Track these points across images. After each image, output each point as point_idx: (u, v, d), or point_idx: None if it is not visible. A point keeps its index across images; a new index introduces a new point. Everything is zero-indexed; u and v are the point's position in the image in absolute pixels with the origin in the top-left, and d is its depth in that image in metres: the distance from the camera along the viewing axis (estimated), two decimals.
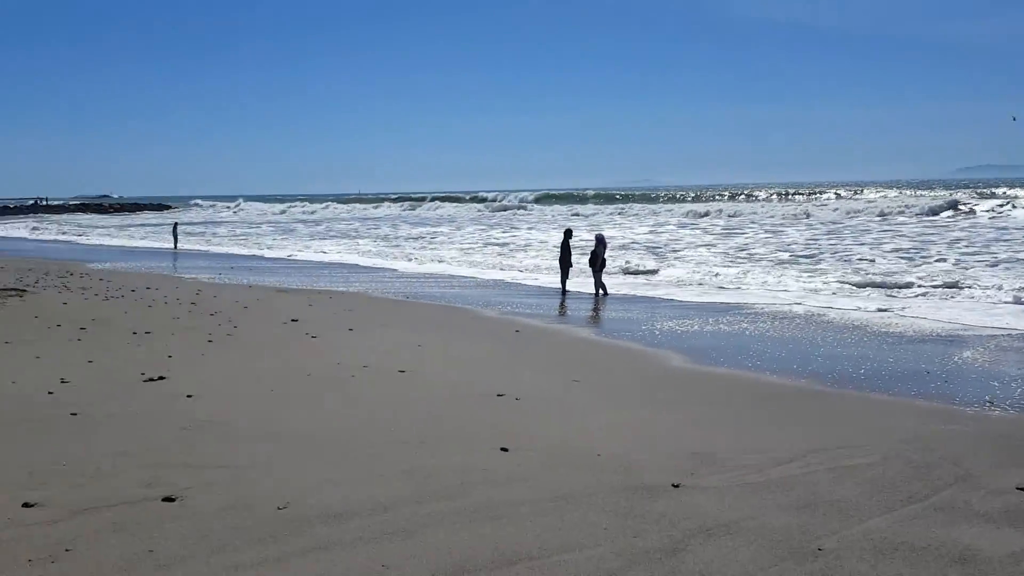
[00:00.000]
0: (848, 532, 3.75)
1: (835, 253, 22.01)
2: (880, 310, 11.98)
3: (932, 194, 53.76)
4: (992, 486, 4.42)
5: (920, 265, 18.15)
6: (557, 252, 16.46)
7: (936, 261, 18.95)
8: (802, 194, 67.30)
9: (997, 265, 17.65)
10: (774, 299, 13.65)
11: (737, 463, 4.80)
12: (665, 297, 14.61)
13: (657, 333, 10.40)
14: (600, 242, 15.63)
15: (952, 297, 13.19)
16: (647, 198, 74.27)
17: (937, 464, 4.80)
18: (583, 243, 20.50)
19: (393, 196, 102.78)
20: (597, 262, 15.24)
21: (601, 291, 15.01)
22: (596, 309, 13.49)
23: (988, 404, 6.42)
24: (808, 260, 20.50)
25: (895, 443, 5.22)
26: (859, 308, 12.21)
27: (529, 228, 39.80)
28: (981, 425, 5.80)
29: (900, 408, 6.34)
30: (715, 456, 4.92)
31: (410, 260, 24.93)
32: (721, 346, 9.30)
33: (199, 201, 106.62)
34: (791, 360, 8.35)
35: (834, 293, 14.37)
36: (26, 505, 3.83)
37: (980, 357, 8.39)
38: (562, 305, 13.96)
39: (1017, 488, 4.38)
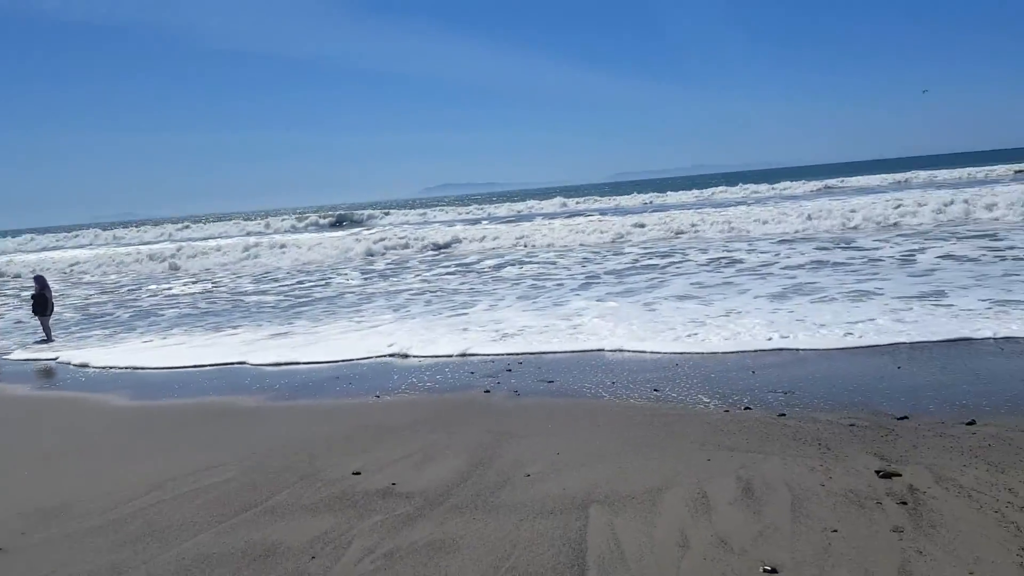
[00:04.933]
0: (163, 556, 3.85)
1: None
2: None
3: None
4: (331, 476, 4.85)
5: None
6: None
7: None
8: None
9: None
10: None
11: (86, 510, 4.59)
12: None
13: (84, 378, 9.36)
14: (43, 284, 13.22)
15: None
16: None
17: (293, 466, 5.12)
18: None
19: None
20: (47, 306, 12.89)
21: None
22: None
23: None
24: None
25: (262, 453, 5.46)
26: None
27: None
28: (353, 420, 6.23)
29: (284, 415, 6.62)
30: (67, 508, 4.65)
31: None
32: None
33: None
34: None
35: None
36: None
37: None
38: None
39: (353, 473, 4.85)
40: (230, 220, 64.98)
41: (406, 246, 24.82)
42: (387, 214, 58.14)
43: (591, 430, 5.35)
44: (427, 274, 18.03)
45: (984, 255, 13.10)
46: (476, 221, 42.92)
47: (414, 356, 8.49)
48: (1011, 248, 13.70)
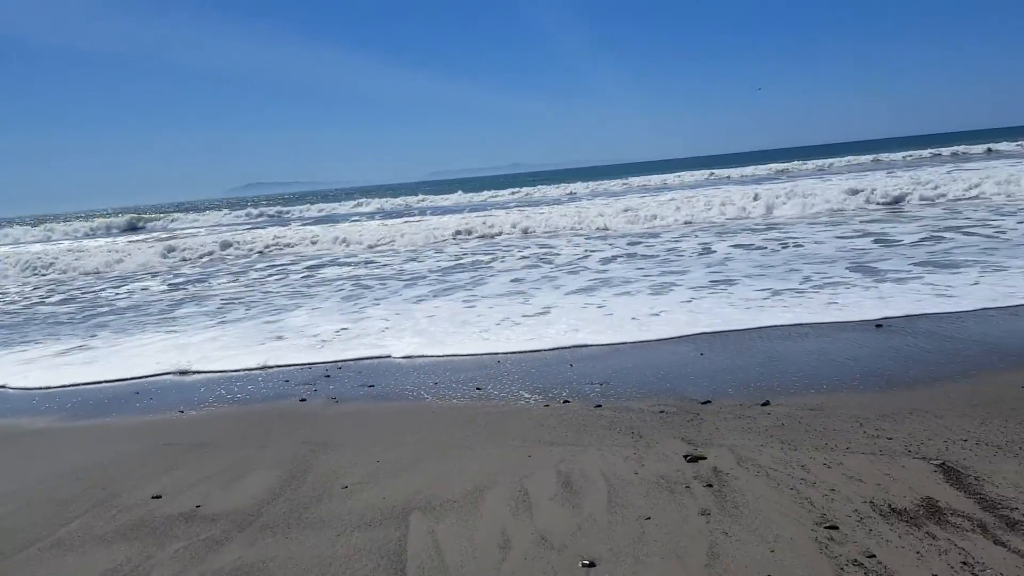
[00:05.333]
0: None
1: None
2: None
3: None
4: (128, 502, 4.47)
5: None
6: None
7: None
8: None
9: None
10: None
11: None
12: None
13: None
14: None
15: None
16: None
17: (85, 493, 4.68)
18: None
19: None
20: None
21: None
22: None
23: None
24: None
25: (49, 481, 4.97)
26: None
27: None
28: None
29: (76, 438, 6.00)
30: None
31: None
32: None
33: None
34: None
35: None
36: None
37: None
38: None
39: (153, 497, 4.49)
40: (7, 225, 59.02)
41: (215, 249, 23.46)
42: (191, 216, 55.26)
43: (413, 434, 5.23)
44: (240, 278, 17.14)
45: (769, 244, 14.30)
46: (288, 222, 41.57)
47: (224, 367, 7.98)
48: (791, 238, 15.04)
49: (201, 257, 22.89)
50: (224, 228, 41.31)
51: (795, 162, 60.57)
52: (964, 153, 53.20)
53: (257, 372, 7.66)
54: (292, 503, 4.21)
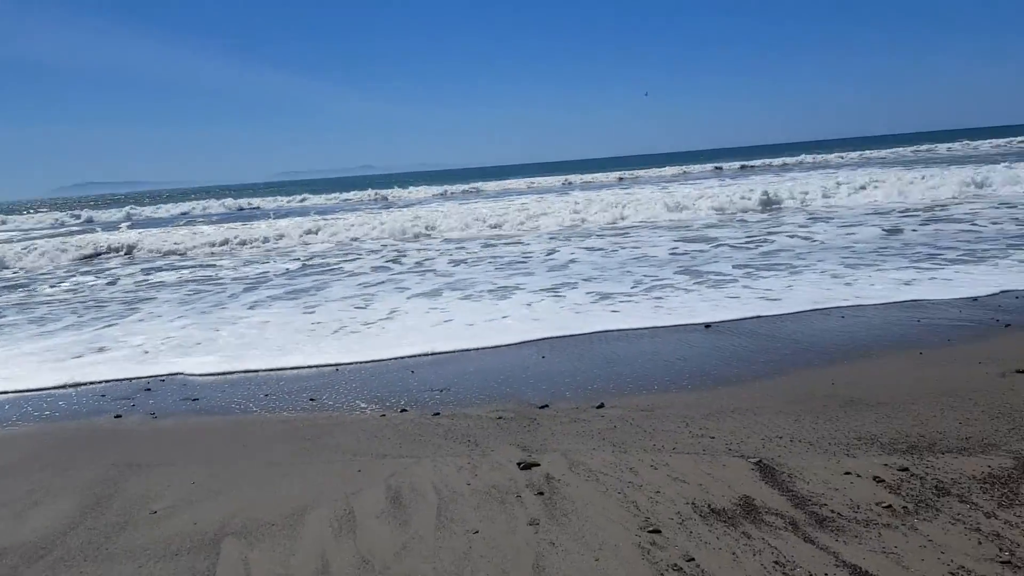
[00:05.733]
0: None
1: None
2: None
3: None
4: None
5: None
6: None
7: None
8: None
9: None
10: None
11: None
12: None
13: None
14: None
15: None
16: None
17: None
18: None
19: None
20: None
21: None
22: None
23: None
24: None
25: None
26: None
27: None
28: None
29: None
30: None
31: None
32: None
33: None
34: None
35: None
36: None
37: None
38: None
39: None
40: None
41: (38, 254, 21.52)
42: (7, 218, 50.94)
43: (236, 451, 4.91)
44: (67, 282, 15.81)
45: (608, 246, 14.75)
46: (116, 224, 38.85)
47: (36, 382, 7.24)
48: (634, 240, 15.58)
49: (19, 261, 20.92)
50: (45, 230, 38.16)
51: (635, 170, 63.27)
52: (787, 164, 57.34)
53: (70, 387, 7.00)
54: (92, 533, 3.81)
